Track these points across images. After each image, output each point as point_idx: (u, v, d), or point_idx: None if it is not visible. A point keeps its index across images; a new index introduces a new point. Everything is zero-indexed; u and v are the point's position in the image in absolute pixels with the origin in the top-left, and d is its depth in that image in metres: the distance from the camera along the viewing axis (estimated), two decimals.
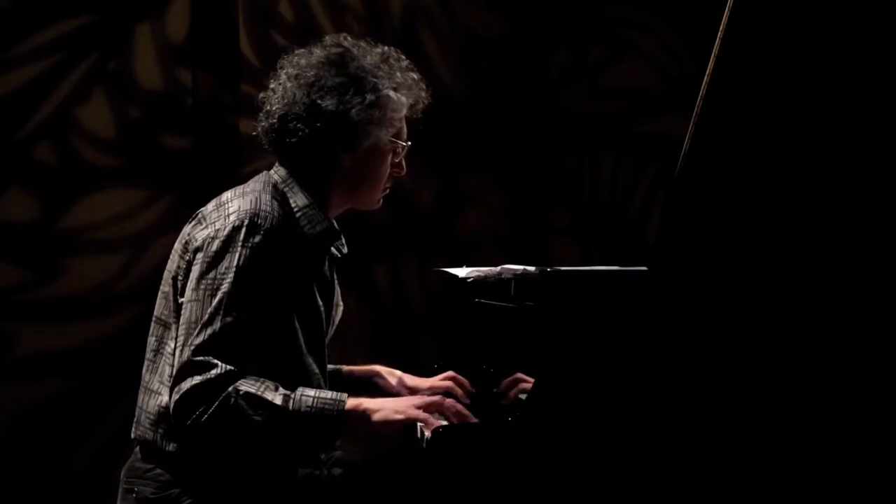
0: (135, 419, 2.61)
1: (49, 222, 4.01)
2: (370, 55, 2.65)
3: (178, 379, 2.40)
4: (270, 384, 2.43)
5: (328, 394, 2.46)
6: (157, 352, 2.58)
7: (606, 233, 4.73)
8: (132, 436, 2.63)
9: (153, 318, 2.62)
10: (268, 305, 2.48)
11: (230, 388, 2.38)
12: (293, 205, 2.60)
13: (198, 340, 2.40)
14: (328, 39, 2.70)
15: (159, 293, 2.63)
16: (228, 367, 2.39)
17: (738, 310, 2.44)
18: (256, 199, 2.53)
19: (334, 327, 2.82)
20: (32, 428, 4.00)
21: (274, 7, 4.28)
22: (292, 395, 2.43)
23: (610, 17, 4.71)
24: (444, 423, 2.48)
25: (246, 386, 2.40)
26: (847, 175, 2.50)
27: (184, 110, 4.15)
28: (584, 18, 4.67)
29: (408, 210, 4.49)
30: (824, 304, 2.45)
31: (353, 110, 2.58)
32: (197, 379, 2.38)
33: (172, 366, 2.50)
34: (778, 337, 2.43)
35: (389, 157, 2.68)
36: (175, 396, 2.39)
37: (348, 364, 3.08)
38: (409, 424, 2.51)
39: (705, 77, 2.41)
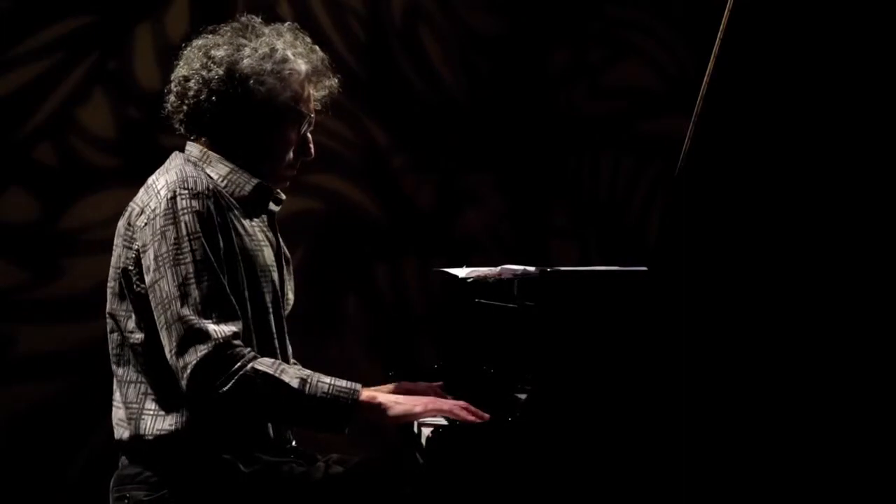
0: (115, 420, 2.62)
1: (49, 222, 4.01)
2: (279, 32, 2.68)
3: (180, 352, 2.41)
4: (286, 366, 2.46)
5: (343, 382, 2.49)
6: (123, 345, 2.58)
7: (606, 233, 4.72)
8: (115, 437, 2.62)
9: (107, 316, 2.62)
10: (228, 261, 2.50)
11: (248, 367, 2.40)
12: (215, 176, 2.61)
13: (185, 312, 2.41)
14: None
15: (108, 290, 2.62)
16: (225, 329, 2.41)
17: (738, 310, 2.44)
18: (181, 170, 2.56)
19: (291, 288, 2.80)
20: (32, 428, 4.00)
21: (274, 7, 4.27)
22: (308, 380, 2.45)
23: (610, 18, 4.70)
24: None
25: (263, 367, 2.42)
26: (847, 175, 2.50)
27: None
28: (584, 18, 4.66)
29: (408, 210, 4.49)
30: (825, 304, 2.45)
31: (246, 60, 2.60)
32: (202, 348, 2.39)
33: (143, 354, 2.53)
34: (778, 337, 2.43)
35: (293, 128, 2.66)
36: (186, 371, 2.39)
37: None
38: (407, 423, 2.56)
39: (705, 77, 2.41)
